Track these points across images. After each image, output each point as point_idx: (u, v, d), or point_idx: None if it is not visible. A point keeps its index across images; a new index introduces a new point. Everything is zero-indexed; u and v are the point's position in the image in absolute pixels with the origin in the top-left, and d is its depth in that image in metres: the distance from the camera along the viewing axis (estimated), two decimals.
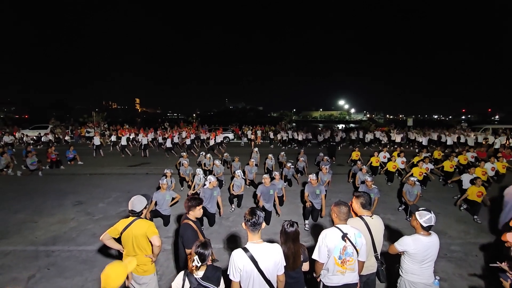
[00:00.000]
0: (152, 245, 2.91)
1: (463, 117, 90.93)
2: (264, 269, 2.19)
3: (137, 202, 2.95)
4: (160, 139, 16.95)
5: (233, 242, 5.11)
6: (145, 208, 3.01)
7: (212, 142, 15.77)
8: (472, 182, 6.72)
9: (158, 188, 5.87)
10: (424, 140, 17.10)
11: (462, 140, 17.02)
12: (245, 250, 2.21)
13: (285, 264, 2.36)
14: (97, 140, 14.76)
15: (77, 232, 5.50)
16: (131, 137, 16.83)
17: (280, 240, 2.60)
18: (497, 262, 2.84)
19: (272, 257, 2.24)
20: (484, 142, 16.85)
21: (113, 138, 16.95)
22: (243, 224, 2.32)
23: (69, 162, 12.37)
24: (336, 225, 2.55)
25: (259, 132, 20.70)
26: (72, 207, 6.92)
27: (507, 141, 18.17)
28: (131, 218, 2.92)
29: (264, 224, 2.33)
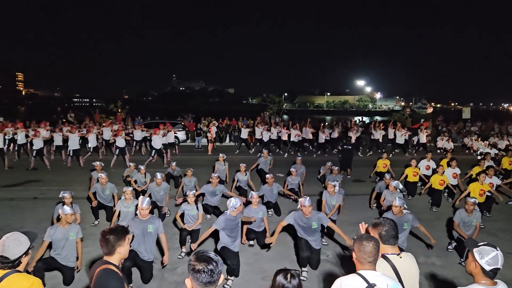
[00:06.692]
0: None
1: None
2: None
3: (13, 245, 2.02)
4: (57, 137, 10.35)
5: None
6: (25, 254, 2.06)
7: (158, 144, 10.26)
8: None
9: (58, 219, 3.82)
10: (502, 145, 12.35)
11: None
12: None
13: None
14: None
15: None
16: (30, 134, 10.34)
17: None
18: None
19: None
20: None
21: (19, 137, 10.29)
22: (187, 280, 1.39)
23: None
24: (358, 271, 1.84)
25: (214, 129, 14.02)
26: None
27: None
28: (1, 272, 1.98)
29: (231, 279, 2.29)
